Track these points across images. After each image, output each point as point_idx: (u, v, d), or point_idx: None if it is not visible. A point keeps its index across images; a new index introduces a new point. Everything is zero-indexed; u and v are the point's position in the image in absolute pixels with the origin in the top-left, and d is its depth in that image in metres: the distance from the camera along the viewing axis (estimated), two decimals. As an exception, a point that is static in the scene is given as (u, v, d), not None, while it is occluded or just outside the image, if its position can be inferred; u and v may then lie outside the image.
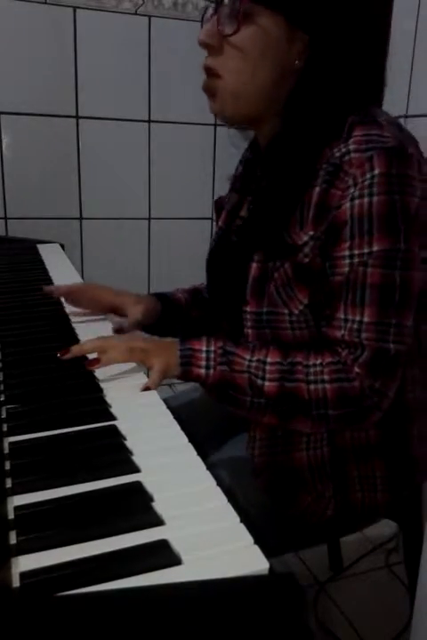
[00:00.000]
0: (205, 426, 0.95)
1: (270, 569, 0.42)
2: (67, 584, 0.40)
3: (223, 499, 0.50)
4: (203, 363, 0.74)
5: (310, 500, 0.78)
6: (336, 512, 0.79)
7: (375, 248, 0.66)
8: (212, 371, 0.73)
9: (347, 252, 0.68)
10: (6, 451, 0.57)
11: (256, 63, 0.71)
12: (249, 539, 0.45)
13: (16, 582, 0.41)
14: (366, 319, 0.68)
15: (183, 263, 2.03)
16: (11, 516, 0.47)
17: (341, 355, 0.70)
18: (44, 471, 0.54)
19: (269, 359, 0.72)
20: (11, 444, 0.58)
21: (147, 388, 0.71)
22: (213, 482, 0.53)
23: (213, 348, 0.74)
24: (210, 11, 0.76)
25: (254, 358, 0.73)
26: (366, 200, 0.66)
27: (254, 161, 0.88)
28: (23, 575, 0.41)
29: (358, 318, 0.68)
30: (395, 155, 0.65)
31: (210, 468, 0.55)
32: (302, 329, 0.73)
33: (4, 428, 0.61)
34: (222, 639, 0.33)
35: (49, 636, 0.32)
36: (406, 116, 1.55)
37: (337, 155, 0.68)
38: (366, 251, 0.67)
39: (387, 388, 0.70)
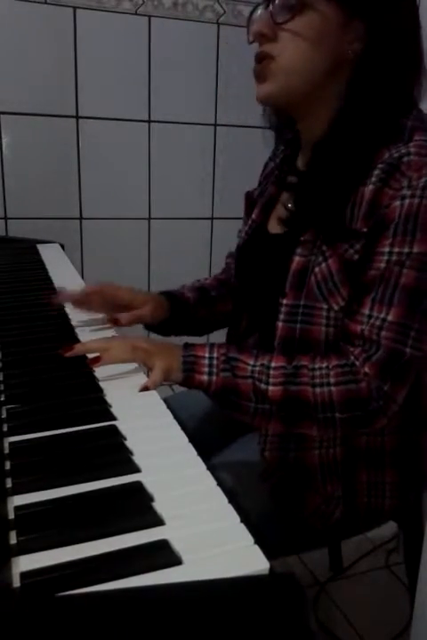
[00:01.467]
0: (205, 426, 0.95)
1: (271, 569, 0.42)
2: (67, 584, 0.40)
3: (223, 499, 0.50)
4: (205, 369, 0.73)
5: (319, 502, 0.78)
6: (343, 516, 0.79)
7: (415, 250, 0.67)
8: (214, 377, 0.73)
9: (386, 249, 0.68)
10: (6, 451, 0.57)
11: (309, 49, 0.72)
12: (249, 539, 0.45)
13: (16, 582, 0.41)
14: (390, 317, 0.68)
15: (183, 263, 2.02)
16: (11, 515, 0.47)
17: (352, 354, 0.69)
18: (44, 471, 0.54)
19: (273, 363, 0.72)
20: (11, 443, 0.58)
21: (145, 388, 0.70)
22: (213, 482, 0.53)
23: (215, 355, 0.74)
24: (260, 8, 0.77)
25: (258, 363, 0.72)
26: (415, 201, 0.66)
27: (292, 157, 0.88)
28: (23, 575, 0.41)
29: (382, 316, 0.68)
30: None
31: (210, 468, 0.55)
32: (337, 327, 0.73)
33: (4, 428, 0.61)
34: (223, 639, 0.33)
35: (49, 635, 0.32)
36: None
37: (396, 155, 0.68)
38: (405, 250, 0.67)
39: (395, 393, 0.69)
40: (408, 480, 0.80)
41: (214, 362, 0.73)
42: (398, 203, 0.67)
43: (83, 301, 0.94)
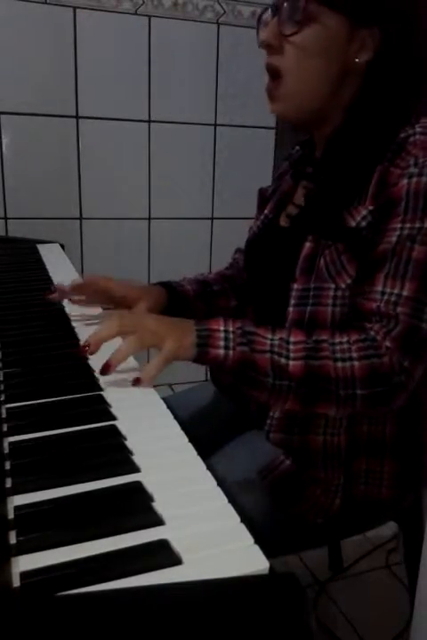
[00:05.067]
0: (205, 426, 0.95)
1: (271, 569, 0.42)
2: (67, 584, 0.40)
3: (223, 498, 0.50)
4: (221, 343, 0.70)
5: (318, 494, 0.78)
6: (341, 507, 0.79)
7: (426, 225, 0.68)
8: (231, 351, 0.69)
9: (398, 225, 0.69)
10: (6, 451, 0.57)
11: (317, 62, 0.74)
12: (249, 538, 0.45)
13: (16, 582, 0.41)
14: (405, 293, 0.68)
15: (183, 263, 2.02)
16: (11, 515, 0.47)
17: (371, 329, 0.69)
18: (44, 471, 0.54)
19: (292, 338, 0.70)
20: (11, 443, 0.58)
21: (138, 381, 0.68)
22: (213, 482, 0.53)
23: (231, 328, 0.71)
24: (268, 13, 0.78)
25: (277, 337, 0.70)
26: (424, 179, 0.68)
27: (307, 157, 0.90)
28: (23, 575, 0.41)
29: (396, 291, 0.68)
30: None
31: (210, 468, 0.55)
32: (343, 306, 0.73)
33: (4, 427, 0.61)
34: (223, 639, 0.33)
35: (49, 635, 0.32)
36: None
37: (402, 136, 0.71)
38: (417, 225, 0.68)
39: (414, 369, 0.69)
40: (406, 472, 0.80)
41: (231, 335, 0.70)
42: (405, 181, 0.69)
43: (77, 294, 0.95)
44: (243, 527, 0.47)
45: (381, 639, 1.23)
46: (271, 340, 0.70)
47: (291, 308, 0.76)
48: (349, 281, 0.72)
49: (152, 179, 1.97)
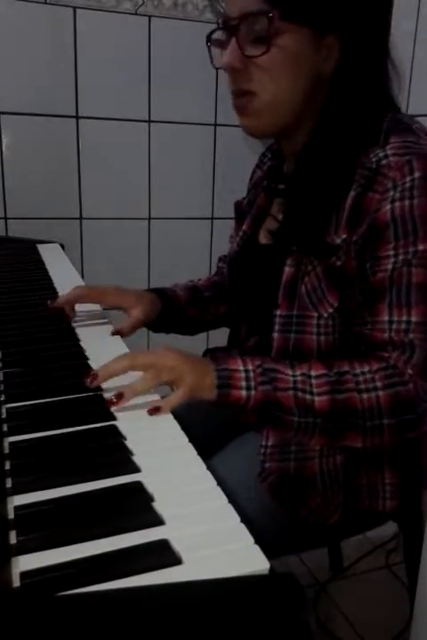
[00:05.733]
0: (205, 426, 0.95)
1: (271, 569, 0.42)
2: (67, 584, 0.40)
3: (224, 498, 0.50)
4: (243, 384, 0.67)
5: (319, 502, 0.78)
6: (342, 518, 0.79)
7: (420, 248, 0.67)
8: (253, 391, 0.67)
9: (391, 252, 0.68)
10: (6, 451, 0.57)
11: (286, 78, 0.72)
12: (250, 538, 0.45)
13: (16, 582, 0.41)
14: (413, 319, 0.67)
15: (183, 263, 2.02)
16: (11, 515, 0.47)
17: (390, 357, 0.68)
18: (44, 471, 0.54)
19: (313, 372, 0.68)
20: (11, 443, 0.58)
21: (157, 410, 0.64)
22: (213, 482, 0.53)
23: (251, 367, 0.68)
24: (219, 33, 0.76)
25: (298, 373, 0.68)
26: (407, 202, 0.67)
27: (279, 167, 0.88)
28: (23, 575, 0.41)
29: (404, 318, 0.67)
30: None
31: (210, 468, 0.55)
32: (328, 335, 0.72)
33: (4, 428, 0.61)
34: (223, 639, 0.33)
35: (49, 635, 0.32)
36: (406, 116, 1.54)
37: (374, 159, 0.69)
38: (411, 250, 0.67)
39: None
40: (408, 480, 0.80)
41: (251, 374, 0.67)
42: (388, 207, 0.67)
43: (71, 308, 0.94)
44: (243, 527, 0.47)
45: (381, 639, 1.23)
46: (293, 376, 0.68)
47: (275, 335, 0.76)
48: (331, 310, 0.71)
49: (152, 179, 1.97)
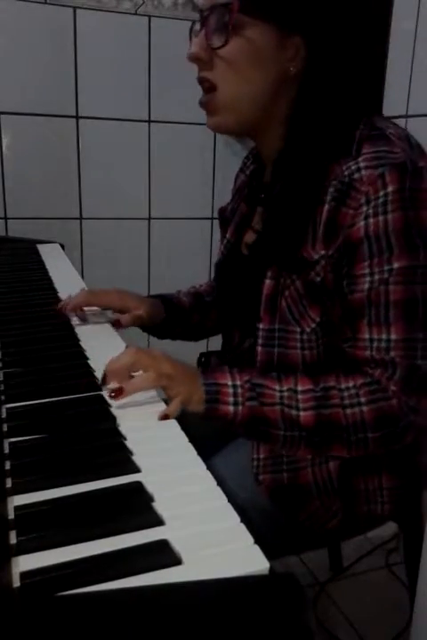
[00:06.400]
0: (205, 426, 0.95)
1: (271, 569, 0.42)
2: (67, 584, 0.40)
3: (224, 498, 0.50)
4: (230, 399, 0.68)
5: (318, 505, 0.78)
6: (341, 523, 0.79)
7: (396, 265, 0.66)
8: (240, 407, 0.68)
9: (366, 270, 0.67)
10: (6, 451, 0.57)
11: (248, 73, 0.71)
12: (249, 539, 0.45)
13: (16, 582, 0.41)
14: (393, 336, 0.67)
15: (183, 263, 2.02)
16: (11, 515, 0.47)
17: (374, 374, 0.69)
18: (44, 471, 0.54)
19: (299, 387, 0.69)
20: (11, 443, 0.58)
21: (165, 417, 0.65)
22: (213, 482, 0.53)
23: (239, 382, 0.69)
24: (197, 25, 0.75)
25: (285, 388, 0.69)
26: (380, 218, 0.66)
27: (260, 171, 0.87)
28: (23, 575, 0.41)
29: (384, 337, 0.67)
30: (406, 170, 0.65)
31: (210, 468, 0.55)
32: (312, 349, 0.72)
33: (4, 427, 0.61)
34: (223, 639, 0.33)
35: (49, 635, 0.32)
36: (406, 116, 1.55)
37: (346, 173, 0.67)
38: (386, 268, 0.66)
39: (420, 405, 0.69)
40: (405, 483, 0.80)
41: (239, 390, 0.69)
42: (362, 223, 0.66)
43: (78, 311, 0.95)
44: (243, 527, 0.47)
45: (381, 639, 1.23)
46: (280, 391, 0.69)
47: (259, 348, 0.75)
48: (313, 325, 0.71)
49: (152, 179, 1.97)
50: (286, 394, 0.69)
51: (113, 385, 0.67)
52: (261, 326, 0.75)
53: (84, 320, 0.94)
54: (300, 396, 0.69)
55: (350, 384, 0.69)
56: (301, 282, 0.71)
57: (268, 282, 0.74)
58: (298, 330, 0.72)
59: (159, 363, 0.69)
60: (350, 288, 0.69)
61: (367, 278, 0.67)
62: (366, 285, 0.67)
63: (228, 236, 0.91)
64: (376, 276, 0.67)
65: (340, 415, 0.68)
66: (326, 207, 0.68)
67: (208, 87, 0.74)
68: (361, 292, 0.68)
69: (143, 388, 0.67)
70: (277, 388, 0.70)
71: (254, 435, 0.71)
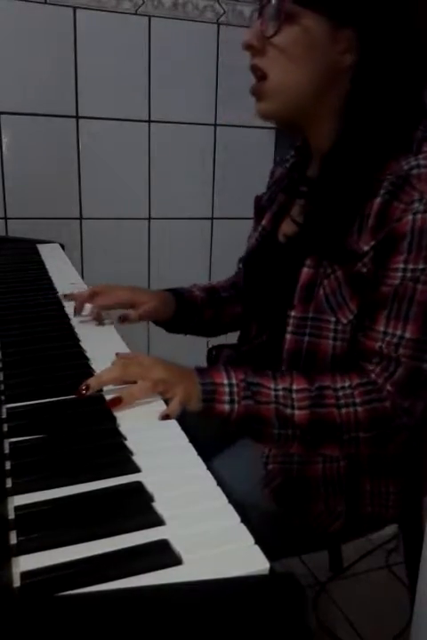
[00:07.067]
0: (206, 426, 0.95)
1: (271, 569, 0.42)
2: (67, 584, 0.40)
3: (224, 499, 0.50)
4: (226, 398, 0.69)
5: (322, 508, 0.78)
6: (345, 525, 0.79)
7: None
8: (236, 406, 0.69)
9: (401, 265, 0.67)
10: (6, 451, 0.57)
11: (299, 62, 0.72)
12: (250, 539, 0.45)
13: (16, 582, 0.41)
14: (407, 334, 0.67)
15: (183, 263, 2.02)
16: (11, 515, 0.47)
17: (373, 372, 0.69)
18: (44, 471, 0.54)
19: (294, 386, 0.70)
20: (11, 443, 0.58)
21: (166, 417, 0.65)
22: (213, 482, 0.53)
23: (234, 381, 0.70)
24: (256, 14, 0.77)
25: (280, 387, 0.70)
26: None
27: (303, 164, 0.87)
28: (23, 575, 0.41)
29: (398, 333, 0.67)
30: None
31: (211, 468, 0.55)
32: (344, 340, 0.72)
33: (4, 427, 0.61)
34: (223, 639, 0.33)
35: (49, 635, 0.32)
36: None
37: (405, 168, 0.67)
38: (420, 266, 0.66)
39: (415, 408, 0.69)
40: (411, 488, 0.80)
41: (234, 389, 0.70)
42: (409, 217, 0.66)
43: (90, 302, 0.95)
44: (243, 527, 0.47)
45: (381, 639, 1.23)
46: (275, 390, 0.70)
47: (288, 336, 0.75)
48: (351, 317, 0.71)
49: (152, 179, 1.97)
50: (281, 393, 0.70)
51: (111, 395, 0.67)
52: (292, 314, 0.74)
53: (100, 320, 0.94)
54: (295, 395, 0.69)
55: (346, 383, 0.69)
56: (342, 272, 0.71)
57: (306, 270, 0.74)
58: (333, 319, 0.72)
59: (149, 370, 0.69)
60: (381, 279, 0.69)
61: (400, 273, 0.67)
62: (397, 281, 0.67)
63: (264, 222, 0.90)
64: (409, 273, 0.67)
65: (334, 415, 0.69)
66: (379, 200, 0.68)
67: (260, 75, 0.75)
68: (391, 286, 0.68)
69: (142, 398, 0.68)
70: (272, 386, 0.70)
71: (248, 432, 0.72)
